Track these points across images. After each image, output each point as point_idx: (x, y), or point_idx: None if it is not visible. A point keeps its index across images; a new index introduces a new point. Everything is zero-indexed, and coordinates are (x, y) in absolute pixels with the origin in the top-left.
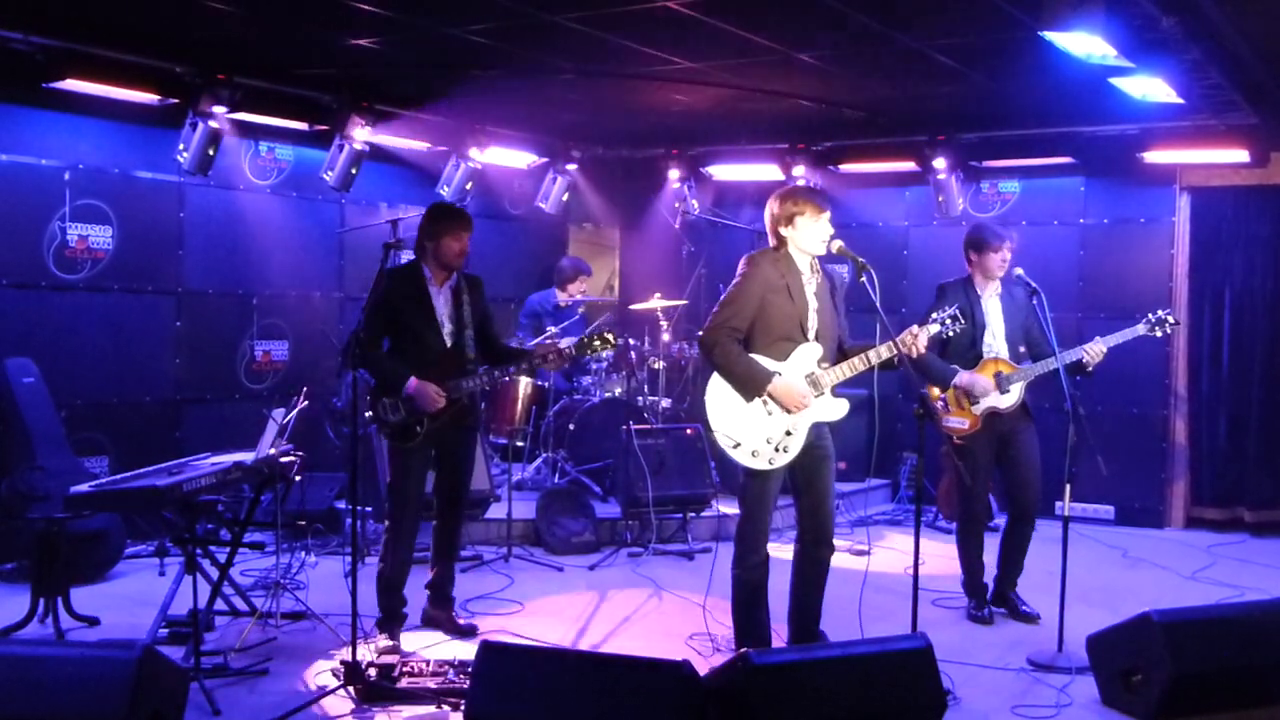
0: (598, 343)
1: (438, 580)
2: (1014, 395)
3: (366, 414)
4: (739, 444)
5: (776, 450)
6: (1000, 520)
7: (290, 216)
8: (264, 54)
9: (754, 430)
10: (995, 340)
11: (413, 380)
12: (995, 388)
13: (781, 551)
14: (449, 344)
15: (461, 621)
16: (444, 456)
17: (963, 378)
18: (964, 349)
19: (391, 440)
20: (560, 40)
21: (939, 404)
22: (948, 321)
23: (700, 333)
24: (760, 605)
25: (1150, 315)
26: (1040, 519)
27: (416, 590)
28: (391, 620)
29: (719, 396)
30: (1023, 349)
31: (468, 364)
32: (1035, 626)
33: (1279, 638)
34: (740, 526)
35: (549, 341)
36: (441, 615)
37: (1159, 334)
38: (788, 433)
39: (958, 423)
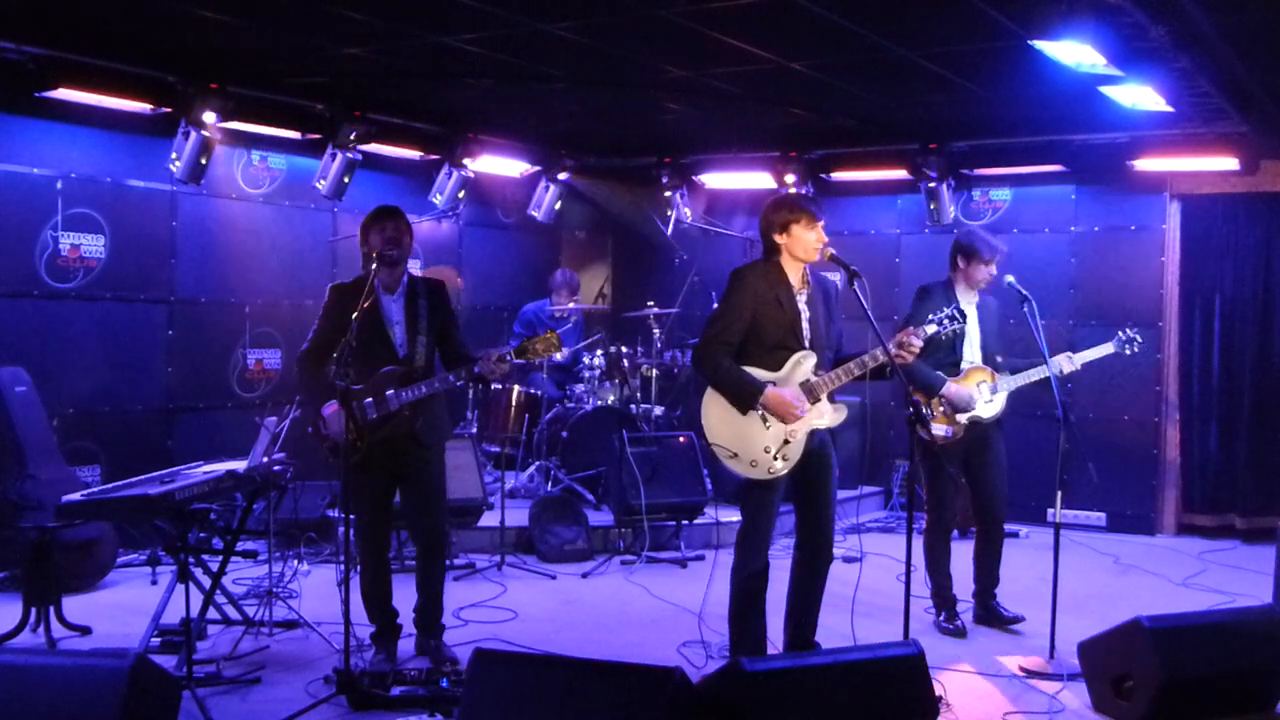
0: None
1: (419, 616)
2: (997, 405)
3: (309, 430)
4: (736, 455)
5: (775, 459)
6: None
7: (283, 225)
8: (256, 63)
9: (752, 441)
10: (971, 348)
11: (329, 405)
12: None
13: (776, 558)
14: (401, 354)
15: (447, 654)
16: (403, 480)
17: (949, 389)
18: (944, 354)
19: (333, 458)
20: (553, 49)
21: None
22: (945, 322)
23: (692, 348)
24: (758, 613)
25: (1120, 334)
26: (1032, 526)
27: (410, 598)
28: (384, 634)
29: (715, 408)
30: (999, 358)
31: (415, 374)
32: (1027, 634)
33: (1270, 644)
34: (741, 534)
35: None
36: (428, 646)
37: (1128, 352)
38: (786, 441)
39: (942, 431)
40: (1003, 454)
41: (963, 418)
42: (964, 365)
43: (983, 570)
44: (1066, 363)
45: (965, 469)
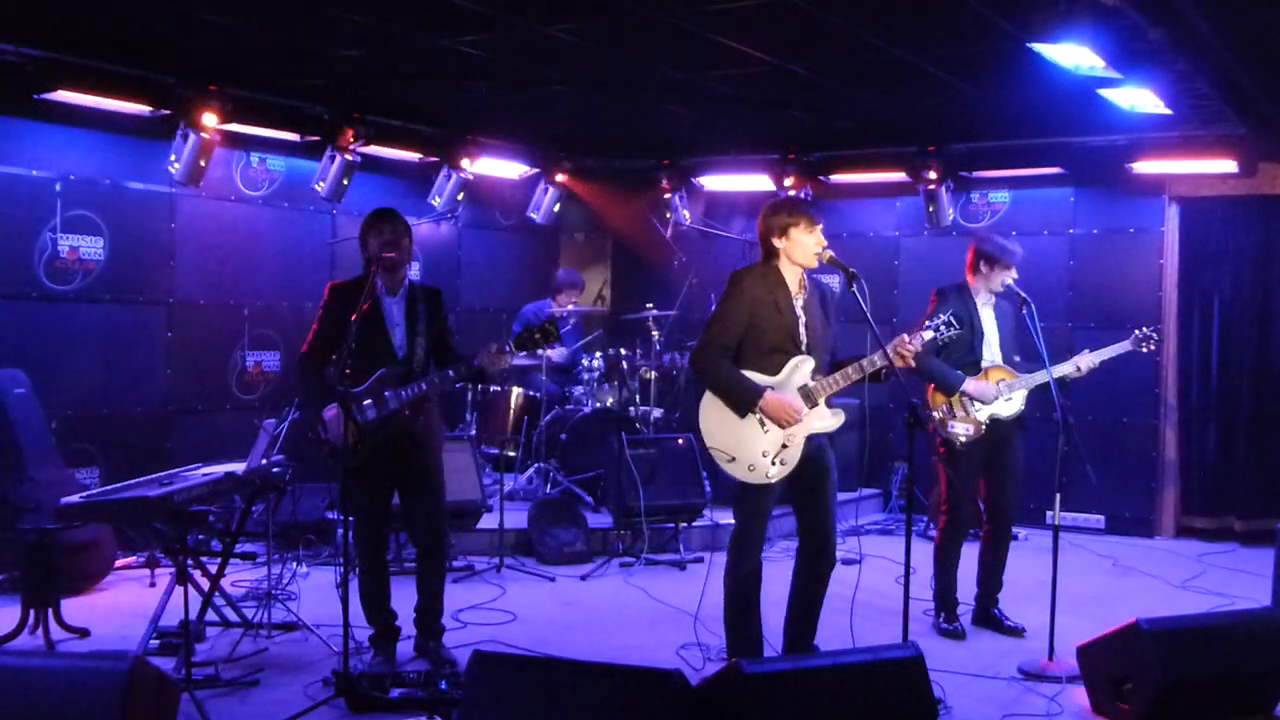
0: (538, 335)
1: (419, 618)
2: (1016, 403)
3: (310, 434)
4: (734, 458)
5: (773, 464)
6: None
7: (282, 227)
8: (255, 65)
9: (750, 444)
10: (990, 349)
11: (330, 408)
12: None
13: (775, 561)
14: (401, 355)
15: (446, 656)
16: (402, 483)
17: (970, 385)
18: (962, 355)
19: (333, 459)
20: (552, 51)
21: (943, 409)
22: (941, 328)
23: (690, 351)
24: (753, 615)
25: (1138, 331)
26: (1031, 528)
27: (410, 600)
28: (383, 637)
29: (713, 412)
30: (1017, 358)
31: (414, 375)
32: (1026, 636)
33: (1268, 646)
34: (734, 537)
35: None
36: (427, 648)
37: (1144, 350)
38: (784, 445)
39: (963, 429)
40: (1021, 456)
41: (984, 416)
42: (984, 365)
43: (987, 573)
44: (1085, 359)
45: (983, 469)
